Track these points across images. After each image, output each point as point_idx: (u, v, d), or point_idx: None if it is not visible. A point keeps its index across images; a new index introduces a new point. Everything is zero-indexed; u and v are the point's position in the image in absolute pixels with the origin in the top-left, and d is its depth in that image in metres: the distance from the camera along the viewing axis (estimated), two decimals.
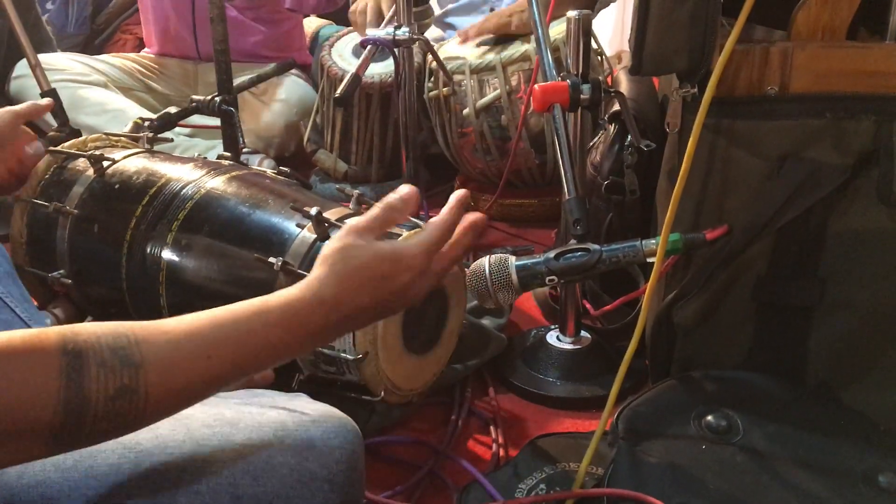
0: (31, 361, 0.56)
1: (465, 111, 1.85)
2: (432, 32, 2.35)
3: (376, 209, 0.74)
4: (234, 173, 1.18)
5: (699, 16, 0.97)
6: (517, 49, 1.81)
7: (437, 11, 2.35)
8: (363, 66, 1.47)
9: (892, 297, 1.01)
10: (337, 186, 1.24)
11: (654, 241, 1.03)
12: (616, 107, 1.31)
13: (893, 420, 0.99)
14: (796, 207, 0.98)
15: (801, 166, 0.97)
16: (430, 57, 1.82)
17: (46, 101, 1.38)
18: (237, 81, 1.53)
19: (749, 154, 0.99)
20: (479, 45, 1.94)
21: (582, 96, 1.14)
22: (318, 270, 0.69)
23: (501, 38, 1.94)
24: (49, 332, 0.58)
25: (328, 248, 0.71)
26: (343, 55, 2.01)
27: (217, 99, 1.47)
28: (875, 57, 0.96)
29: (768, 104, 0.98)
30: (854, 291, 1.02)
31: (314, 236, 1.03)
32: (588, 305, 1.40)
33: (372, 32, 1.52)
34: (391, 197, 0.75)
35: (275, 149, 2.22)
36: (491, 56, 1.82)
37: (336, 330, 0.69)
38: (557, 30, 1.78)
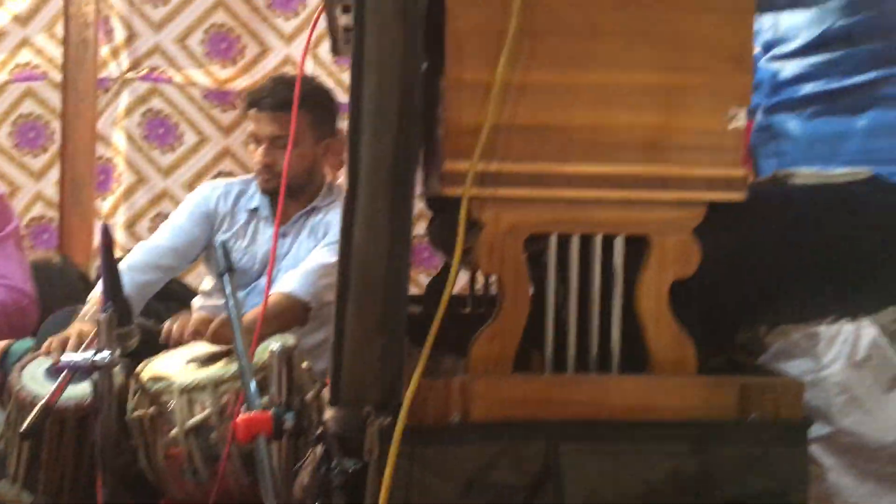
0: None
1: (173, 432, 1.78)
2: None
3: None
4: None
5: (390, 353, 1.06)
6: (228, 368, 1.82)
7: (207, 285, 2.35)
8: (56, 395, 1.39)
9: None
10: None
11: None
12: (323, 428, 1.35)
13: None
14: None
15: (486, 489, 1.05)
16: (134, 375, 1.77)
17: None
18: None
19: (440, 479, 1.06)
20: (188, 362, 1.92)
21: (286, 426, 1.16)
22: None
23: (213, 355, 1.94)
24: None
25: None
26: (35, 377, 1.87)
27: None
28: (537, 386, 1.11)
29: (453, 431, 1.07)
30: None
31: None
32: None
33: (68, 357, 1.46)
34: None
35: None
36: (201, 375, 1.81)
37: None
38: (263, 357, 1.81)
